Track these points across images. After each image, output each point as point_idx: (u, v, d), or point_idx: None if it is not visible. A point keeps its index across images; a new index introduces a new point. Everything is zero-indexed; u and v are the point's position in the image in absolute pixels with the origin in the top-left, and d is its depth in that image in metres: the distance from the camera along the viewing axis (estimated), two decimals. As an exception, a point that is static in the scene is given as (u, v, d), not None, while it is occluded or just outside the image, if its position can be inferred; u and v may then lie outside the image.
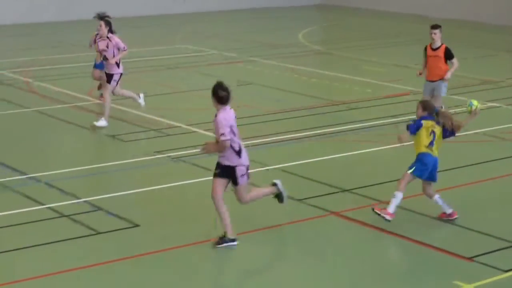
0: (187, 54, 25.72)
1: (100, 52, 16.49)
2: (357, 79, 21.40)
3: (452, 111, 15.79)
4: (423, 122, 10.94)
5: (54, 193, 12.43)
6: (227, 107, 10.17)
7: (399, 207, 11.03)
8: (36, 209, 11.73)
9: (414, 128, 10.94)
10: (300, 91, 20.13)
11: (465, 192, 12.62)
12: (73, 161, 14.19)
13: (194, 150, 14.05)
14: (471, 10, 34.92)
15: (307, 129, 16.16)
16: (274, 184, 10.86)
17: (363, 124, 16.58)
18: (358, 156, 14.51)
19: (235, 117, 10.24)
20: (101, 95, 17.44)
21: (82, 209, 11.70)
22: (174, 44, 27.83)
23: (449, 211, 11.23)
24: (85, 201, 12.02)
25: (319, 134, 15.89)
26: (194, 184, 12.89)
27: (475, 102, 11.34)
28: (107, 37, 16.28)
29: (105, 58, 16.37)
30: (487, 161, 14.14)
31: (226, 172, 10.24)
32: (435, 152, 10.98)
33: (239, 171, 10.20)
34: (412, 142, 11.13)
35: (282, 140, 15.44)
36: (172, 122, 16.72)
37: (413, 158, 11.07)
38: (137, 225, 11.12)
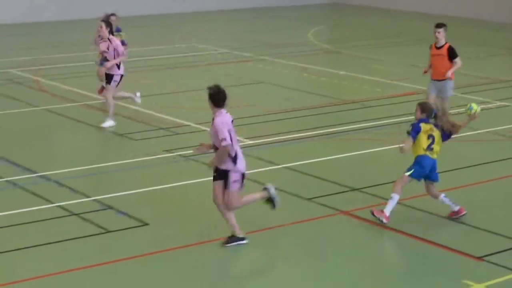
0: (200, 53, 25.73)
1: (101, 53, 16.64)
2: (366, 78, 21.37)
3: (455, 111, 15.80)
4: (421, 126, 10.96)
5: (63, 191, 12.45)
6: (223, 111, 10.06)
7: (408, 206, 10.98)
8: (46, 208, 11.76)
9: (414, 134, 10.95)
10: (310, 90, 20.11)
11: (471, 192, 12.55)
12: (82, 160, 14.21)
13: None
14: (472, 8, 34.86)
15: (316, 128, 16.13)
16: (265, 189, 10.58)
17: (375, 123, 16.54)
18: (370, 154, 14.46)
19: (232, 120, 10.14)
20: (102, 88, 17.46)
21: (92, 208, 11.73)
22: (191, 42, 27.81)
23: (456, 208, 11.23)
24: (94, 200, 12.04)
25: (330, 133, 15.86)
26: (206, 182, 12.83)
27: (475, 106, 11.39)
28: (108, 39, 16.35)
29: (106, 59, 16.49)
30: (494, 161, 14.06)
31: (222, 175, 10.18)
32: (434, 155, 10.99)
33: (233, 176, 10.10)
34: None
35: (291, 139, 15.41)
36: (181, 121, 16.73)
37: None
38: (146, 224, 11.12)
